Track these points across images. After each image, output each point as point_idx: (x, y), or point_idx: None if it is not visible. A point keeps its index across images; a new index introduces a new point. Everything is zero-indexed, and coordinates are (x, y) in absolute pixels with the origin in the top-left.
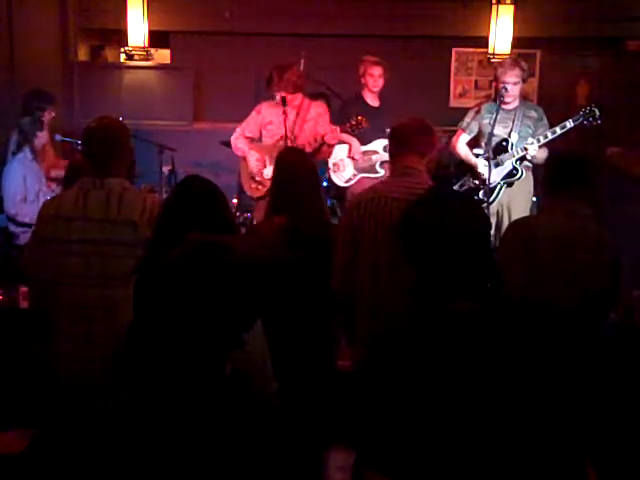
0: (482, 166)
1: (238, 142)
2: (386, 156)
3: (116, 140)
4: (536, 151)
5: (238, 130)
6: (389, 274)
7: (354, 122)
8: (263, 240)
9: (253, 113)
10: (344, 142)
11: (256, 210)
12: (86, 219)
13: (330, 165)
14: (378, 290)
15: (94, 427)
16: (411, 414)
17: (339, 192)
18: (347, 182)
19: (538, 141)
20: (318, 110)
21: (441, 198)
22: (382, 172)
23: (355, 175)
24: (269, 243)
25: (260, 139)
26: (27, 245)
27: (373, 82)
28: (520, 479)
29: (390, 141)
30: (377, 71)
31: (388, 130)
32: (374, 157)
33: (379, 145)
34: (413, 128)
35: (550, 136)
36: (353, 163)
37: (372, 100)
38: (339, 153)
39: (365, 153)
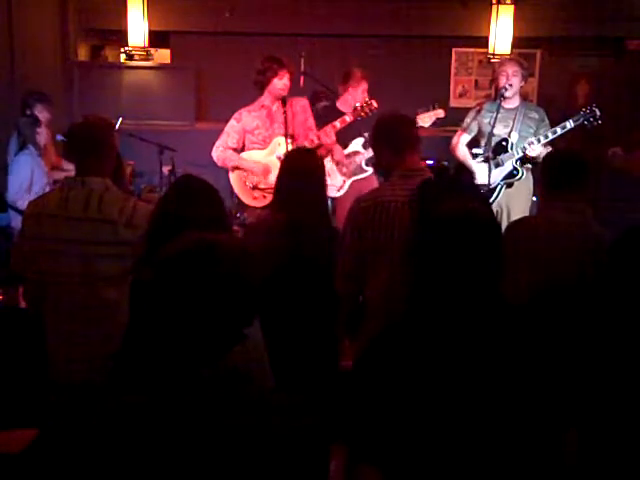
0: (480, 168)
1: (227, 154)
2: (368, 153)
3: (99, 139)
4: (535, 151)
5: (220, 144)
6: (405, 280)
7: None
8: (261, 238)
9: (232, 122)
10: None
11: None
12: (67, 218)
13: None
14: (394, 296)
15: (95, 427)
16: (406, 407)
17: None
18: (339, 190)
19: (538, 141)
20: (301, 103)
21: (457, 195)
22: (370, 170)
23: (345, 181)
24: (267, 241)
25: (243, 149)
26: (14, 244)
27: (363, 98)
28: (513, 471)
29: (383, 139)
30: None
31: (367, 134)
32: (357, 158)
33: (358, 144)
34: (402, 121)
35: (550, 136)
36: (339, 170)
37: (347, 109)
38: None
39: (348, 156)
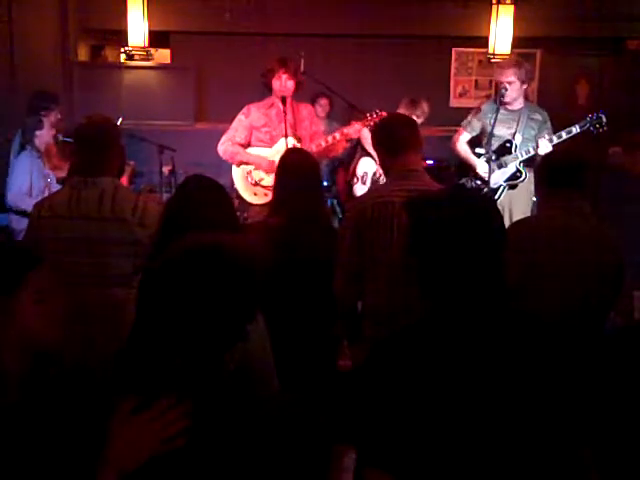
0: (482, 166)
1: (234, 149)
2: None
3: (106, 138)
4: (548, 147)
5: (226, 138)
6: (405, 280)
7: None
8: (255, 239)
9: (240, 117)
10: (373, 158)
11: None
12: (79, 218)
13: (359, 175)
14: (395, 296)
15: (97, 427)
16: (416, 410)
17: (339, 193)
18: None
19: (551, 141)
20: (307, 109)
21: (455, 198)
22: None
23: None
24: (259, 242)
25: (249, 144)
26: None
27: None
28: (518, 475)
29: (380, 140)
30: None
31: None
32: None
33: None
34: (402, 123)
35: (555, 140)
36: (373, 179)
37: None
38: (367, 166)
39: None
